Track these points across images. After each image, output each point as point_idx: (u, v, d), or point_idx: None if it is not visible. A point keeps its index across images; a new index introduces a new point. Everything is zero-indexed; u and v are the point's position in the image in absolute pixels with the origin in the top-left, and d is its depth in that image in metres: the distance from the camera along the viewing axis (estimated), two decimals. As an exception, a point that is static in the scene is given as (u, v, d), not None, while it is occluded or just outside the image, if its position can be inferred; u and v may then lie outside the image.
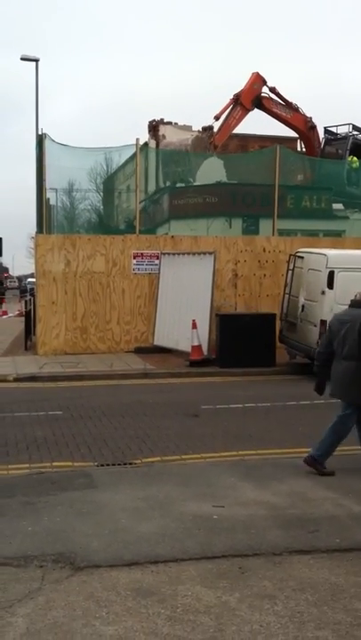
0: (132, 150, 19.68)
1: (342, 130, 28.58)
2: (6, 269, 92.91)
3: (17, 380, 14.48)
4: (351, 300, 8.37)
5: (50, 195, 20.15)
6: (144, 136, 33.40)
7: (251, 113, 27.62)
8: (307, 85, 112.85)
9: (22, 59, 26.67)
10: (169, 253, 17.93)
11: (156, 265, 17.98)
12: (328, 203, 25.59)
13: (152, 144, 32.00)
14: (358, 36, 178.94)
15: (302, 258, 15.82)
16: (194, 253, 17.52)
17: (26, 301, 25.05)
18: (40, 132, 18.75)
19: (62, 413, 11.10)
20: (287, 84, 28.09)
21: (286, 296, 16.24)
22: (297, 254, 16.21)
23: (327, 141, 28.63)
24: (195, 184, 25.23)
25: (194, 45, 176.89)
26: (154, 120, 35.15)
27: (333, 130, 28.79)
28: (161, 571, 5.13)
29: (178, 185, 25.76)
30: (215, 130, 26.81)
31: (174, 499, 6.70)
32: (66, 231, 22.32)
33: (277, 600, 4.68)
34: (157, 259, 18.01)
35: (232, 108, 26.63)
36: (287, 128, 29.76)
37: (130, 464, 8.31)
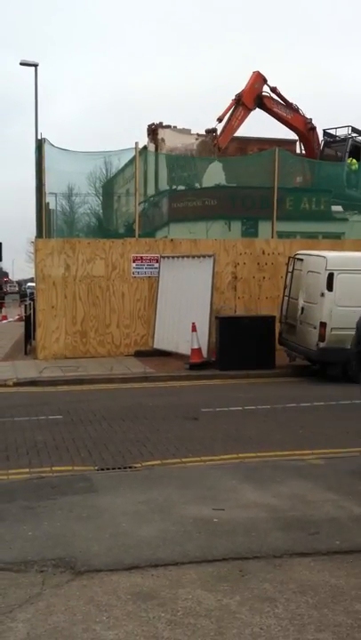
0: (132, 154, 19.70)
1: (341, 132, 28.64)
2: (6, 274, 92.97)
3: (17, 384, 14.49)
4: None
5: (49, 199, 20.15)
6: (143, 138, 33.53)
7: (251, 114, 27.64)
8: (306, 86, 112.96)
9: (22, 64, 26.75)
10: (168, 257, 17.94)
11: (156, 268, 17.99)
12: (327, 205, 25.61)
13: (151, 147, 32.08)
14: (358, 36, 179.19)
15: (302, 260, 15.82)
16: (193, 256, 17.53)
17: (26, 306, 25.05)
18: (39, 137, 18.80)
19: (62, 417, 11.09)
20: (287, 84, 28.15)
21: (286, 298, 16.25)
22: (296, 256, 16.22)
23: (326, 143, 28.67)
24: (196, 187, 25.24)
25: (194, 46, 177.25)
26: (153, 124, 35.25)
27: (333, 132, 28.82)
28: (161, 574, 5.12)
29: (179, 188, 25.77)
30: (218, 132, 26.81)
31: (175, 502, 6.69)
32: (65, 235, 22.32)
33: (278, 603, 4.67)
34: (157, 262, 18.02)
35: (234, 109, 26.66)
36: (286, 131, 29.83)
37: (130, 468, 8.30)
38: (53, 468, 8.25)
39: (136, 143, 19.02)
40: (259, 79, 27.10)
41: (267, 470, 7.88)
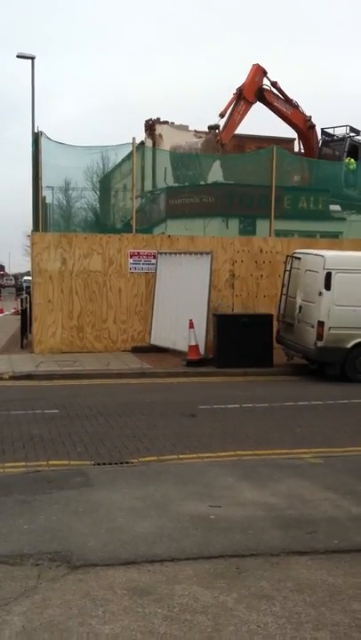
0: (129, 149, 19.64)
1: (339, 131, 28.58)
2: (2, 267, 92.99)
3: (13, 378, 14.44)
4: None
5: (46, 193, 20.09)
6: (141, 135, 33.44)
7: (250, 111, 27.53)
8: (306, 86, 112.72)
9: (18, 56, 26.59)
10: (166, 253, 17.91)
11: (153, 264, 17.95)
12: (325, 204, 25.58)
13: (149, 143, 32.01)
14: (358, 36, 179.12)
15: (300, 259, 15.82)
16: (191, 253, 17.50)
17: (22, 300, 24.99)
18: (36, 130, 18.68)
19: (59, 412, 11.05)
20: (287, 84, 27.97)
21: (284, 297, 16.23)
22: (294, 255, 16.21)
23: (324, 143, 28.62)
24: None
25: (194, 45, 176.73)
26: (150, 119, 35.15)
27: (330, 131, 28.79)
28: (158, 570, 5.10)
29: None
30: (221, 128, 26.72)
31: (171, 498, 6.67)
32: (62, 229, 22.29)
33: (275, 601, 4.65)
34: (154, 258, 17.98)
35: (235, 104, 26.55)
36: (284, 129, 29.73)
37: (127, 463, 8.28)
38: (50, 462, 8.22)
39: (133, 138, 18.96)
40: (259, 72, 26.99)
41: (264, 468, 7.86)
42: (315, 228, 24.03)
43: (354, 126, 28.52)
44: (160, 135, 34.75)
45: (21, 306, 23.17)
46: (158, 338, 17.56)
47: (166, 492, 6.86)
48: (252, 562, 5.28)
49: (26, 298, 22.31)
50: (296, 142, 30.87)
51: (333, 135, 28.71)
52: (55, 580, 4.91)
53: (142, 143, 28.03)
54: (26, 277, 53.00)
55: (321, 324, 14.37)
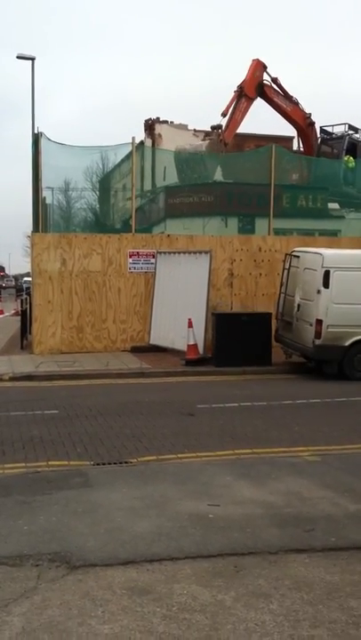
0: (128, 149, 19.66)
1: (338, 129, 28.59)
2: (2, 268, 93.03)
3: (13, 379, 14.47)
4: None
5: (46, 193, 20.12)
6: (141, 135, 33.47)
7: (250, 109, 27.52)
8: (306, 86, 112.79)
9: (18, 57, 26.61)
10: (165, 252, 17.93)
11: (152, 264, 17.98)
12: (324, 202, 25.61)
13: (148, 143, 32.03)
14: (358, 36, 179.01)
15: (298, 257, 15.84)
16: (190, 252, 17.53)
17: (22, 300, 25.02)
18: (36, 131, 18.71)
19: (58, 412, 11.09)
20: (287, 83, 27.96)
21: (282, 295, 16.26)
22: (293, 253, 16.23)
23: (323, 141, 28.64)
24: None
25: (193, 45, 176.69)
26: (150, 119, 35.19)
27: (329, 129, 28.81)
28: (156, 569, 5.13)
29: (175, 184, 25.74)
30: (223, 127, 26.73)
31: (170, 498, 6.70)
32: (62, 230, 22.30)
33: (273, 599, 4.69)
34: (153, 258, 18.01)
35: (237, 101, 26.57)
36: (282, 128, 29.80)
37: (126, 463, 8.31)
38: (49, 463, 8.25)
39: (133, 138, 18.98)
40: (259, 67, 26.98)
41: (263, 467, 7.90)
42: (313, 227, 24.04)
43: (353, 124, 28.58)
44: (159, 135, 34.80)
45: (21, 307, 23.20)
46: (157, 337, 17.59)
47: (165, 491, 6.90)
48: (251, 560, 5.32)
49: (26, 299, 22.34)
50: (295, 140, 30.92)
51: (332, 133, 28.73)
52: (55, 580, 4.95)
53: (142, 143, 28.06)
54: (26, 278, 53.05)
55: (319, 322, 14.40)
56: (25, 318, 19.76)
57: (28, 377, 14.61)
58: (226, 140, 26.44)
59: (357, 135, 28.46)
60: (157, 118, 35.82)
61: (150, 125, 34.99)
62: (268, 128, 35.38)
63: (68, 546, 5.51)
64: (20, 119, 47.25)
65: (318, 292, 14.45)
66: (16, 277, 78.56)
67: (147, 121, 35.26)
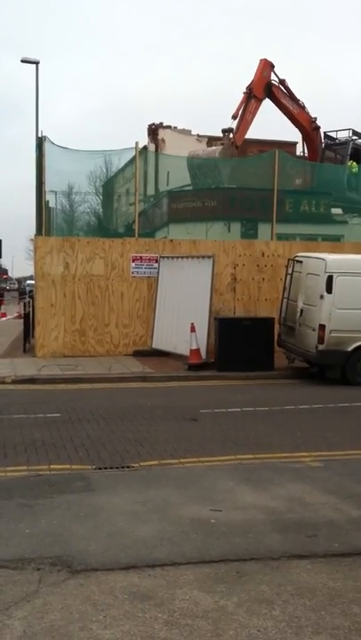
0: (132, 154, 19.68)
1: (342, 135, 28.64)
2: (6, 271, 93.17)
3: (15, 382, 14.46)
4: None
5: (49, 197, 20.13)
6: (144, 139, 33.54)
7: (259, 110, 27.53)
8: (306, 85, 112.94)
9: (22, 61, 26.73)
10: (168, 257, 17.93)
11: (155, 268, 17.98)
12: (327, 207, 25.59)
13: (151, 148, 32.08)
14: (358, 36, 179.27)
15: (301, 262, 15.83)
16: (193, 257, 17.52)
17: (25, 303, 25.04)
18: (40, 135, 18.75)
19: (60, 416, 11.07)
20: (293, 86, 28.02)
21: (285, 300, 16.24)
22: (296, 259, 16.23)
23: (327, 146, 28.69)
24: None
25: (194, 45, 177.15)
26: (153, 124, 35.27)
27: (333, 135, 28.85)
28: (158, 575, 5.11)
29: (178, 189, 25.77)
30: (234, 129, 26.76)
31: (172, 502, 6.68)
32: (65, 234, 22.30)
33: (275, 605, 4.67)
34: (156, 262, 18.01)
35: (246, 103, 26.60)
36: (286, 133, 29.83)
37: (128, 467, 8.28)
38: (51, 467, 8.23)
39: (136, 143, 19.02)
40: (267, 66, 27.00)
41: (265, 472, 7.88)
42: (316, 232, 24.05)
43: (356, 130, 28.60)
44: (163, 140, 34.84)
45: (24, 310, 23.22)
46: (160, 342, 17.58)
47: (167, 496, 6.88)
48: (253, 566, 5.30)
49: (29, 302, 22.34)
50: (300, 144, 30.95)
51: (336, 139, 28.77)
52: (56, 584, 4.93)
53: (145, 148, 28.11)
54: (29, 281, 53.17)
55: (322, 327, 14.38)
56: (28, 321, 19.76)
57: (31, 380, 14.60)
58: (237, 143, 26.47)
59: (361, 141, 28.51)
60: (161, 123, 35.87)
61: (154, 130, 35.06)
62: (272, 133, 35.35)
63: (69, 550, 5.50)
64: (21, 119, 47.43)
65: (321, 297, 14.44)
66: (19, 280, 78.71)
67: (150, 126, 35.34)
